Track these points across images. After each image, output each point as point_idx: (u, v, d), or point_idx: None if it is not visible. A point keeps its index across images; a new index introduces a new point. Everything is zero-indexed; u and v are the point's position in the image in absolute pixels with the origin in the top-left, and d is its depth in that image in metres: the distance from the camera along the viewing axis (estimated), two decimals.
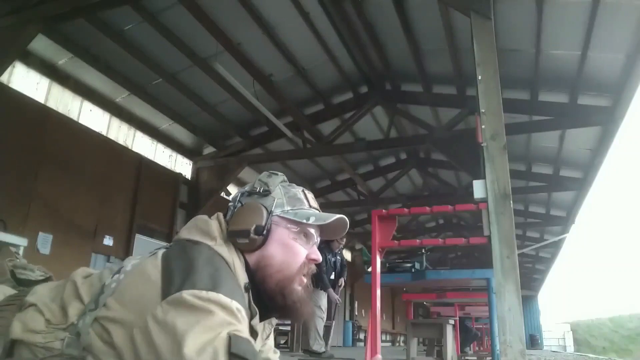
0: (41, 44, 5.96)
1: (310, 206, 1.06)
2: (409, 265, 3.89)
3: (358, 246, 15.64)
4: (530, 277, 21.07)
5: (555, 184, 9.40)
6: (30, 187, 5.80)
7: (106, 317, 0.82)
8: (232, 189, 9.38)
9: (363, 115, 8.44)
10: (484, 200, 3.41)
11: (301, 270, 1.02)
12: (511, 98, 6.62)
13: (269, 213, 1.00)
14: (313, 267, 1.06)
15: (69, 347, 0.82)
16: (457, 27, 6.03)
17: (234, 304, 0.82)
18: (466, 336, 8.23)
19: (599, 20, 5.26)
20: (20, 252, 3.97)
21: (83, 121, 6.81)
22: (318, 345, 5.57)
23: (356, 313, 16.29)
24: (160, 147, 8.43)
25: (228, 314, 0.80)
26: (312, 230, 1.04)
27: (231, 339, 0.75)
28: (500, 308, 3.09)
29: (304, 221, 1.02)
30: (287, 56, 7.08)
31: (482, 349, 9.93)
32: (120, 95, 7.33)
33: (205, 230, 0.97)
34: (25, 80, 6.08)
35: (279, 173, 1.09)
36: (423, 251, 4.03)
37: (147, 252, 0.93)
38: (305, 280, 1.03)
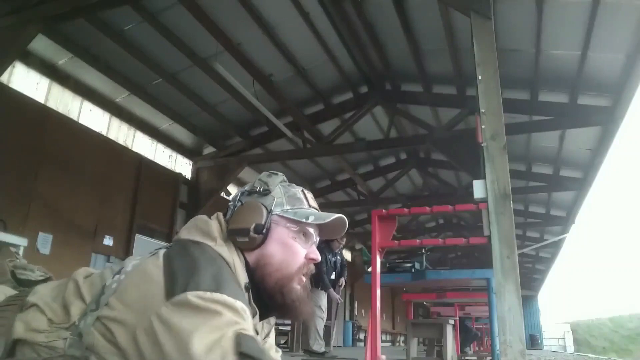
0: (41, 44, 5.96)
1: (309, 206, 1.06)
2: (409, 265, 3.89)
3: (358, 246, 15.64)
4: (530, 277, 21.08)
5: (555, 184, 9.40)
6: (30, 187, 5.80)
7: (108, 316, 0.82)
8: (232, 189, 9.38)
9: (363, 115, 8.44)
10: (484, 200, 3.41)
11: (300, 269, 1.02)
12: (511, 98, 6.62)
13: (269, 212, 1.01)
14: (312, 266, 1.06)
15: (71, 348, 0.82)
16: (457, 27, 6.03)
17: (239, 304, 0.82)
18: (466, 336, 8.24)
19: (599, 20, 5.26)
20: (20, 252, 3.97)
21: (83, 121, 6.81)
22: (318, 345, 5.58)
23: (356, 313, 16.29)
24: (160, 147, 8.44)
25: (234, 313, 0.80)
26: (312, 230, 1.05)
27: (239, 337, 0.76)
28: (500, 308, 3.09)
29: (303, 220, 1.02)
30: (287, 56, 7.08)
31: (482, 349, 9.93)
32: (120, 95, 7.33)
33: (206, 231, 0.97)
34: (25, 80, 6.08)
35: (279, 173, 1.09)
36: (423, 251, 4.03)
37: (148, 253, 0.93)
38: (304, 279, 1.03)
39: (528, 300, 23.34)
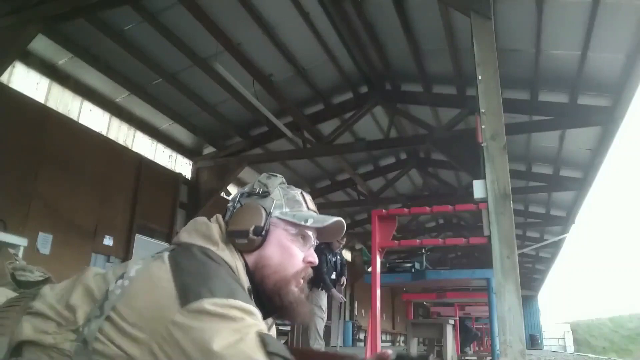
0: (41, 44, 5.96)
1: (308, 208, 1.07)
2: (409, 265, 3.90)
3: (358, 246, 15.64)
4: (530, 277, 21.08)
5: (555, 184, 9.40)
6: (30, 187, 5.80)
7: (117, 324, 0.81)
8: (232, 189, 9.38)
9: (363, 115, 8.44)
10: (484, 200, 3.42)
11: (298, 272, 1.03)
12: (511, 98, 6.61)
13: (268, 214, 1.01)
14: (310, 270, 1.07)
15: (77, 356, 0.81)
16: (457, 27, 6.03)
17: (253, 308, 0.83)
18: (466, 336, 8.25)
19: (599, 20, 5.26)
20: (20, 252, 3.99)
21: (83, 121, 6.81)
22: (318, 345, 5.58)
23: (356, 313, 16.29)
24: (160, 147, 8.43)
25: (251, 317, 0.81)
26: (310, 233, 1.05)
27: (263, 338, 0.77)
28: (500, 308, 3.10)
29: (302, 223, 1.03)
30: (287, 56, 7.08)
31: (482, 349, 9.95)
32: (120, 95, 7.33)
33: (207, 235, 0.97)
34: (25, 80, 6.08)
35: (278, 175, 1.10)
36: (423, 251, 4.03)
37: (149, 256, 0.92)
38: (302, 281, 1.04)
39: (528, 300, 23.35)
